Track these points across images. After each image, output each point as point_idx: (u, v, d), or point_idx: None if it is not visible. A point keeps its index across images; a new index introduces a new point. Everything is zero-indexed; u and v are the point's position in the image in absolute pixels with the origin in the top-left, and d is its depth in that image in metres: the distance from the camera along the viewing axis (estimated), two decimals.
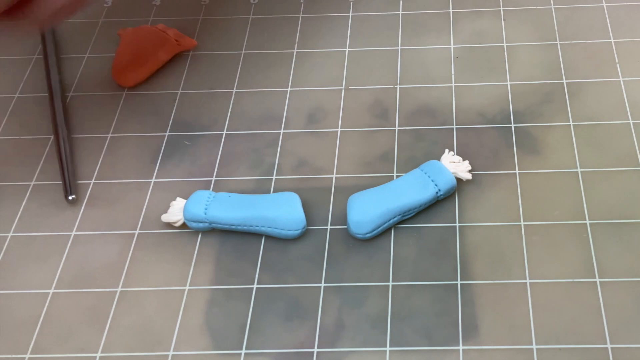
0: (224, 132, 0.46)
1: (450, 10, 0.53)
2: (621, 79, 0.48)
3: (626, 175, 0.43)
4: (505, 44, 0.50)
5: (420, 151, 0.44)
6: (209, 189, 0.43)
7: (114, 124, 0.47)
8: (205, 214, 0.40)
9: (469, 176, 0.42)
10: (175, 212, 0.41)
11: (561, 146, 0.44)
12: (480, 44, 0.51)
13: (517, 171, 0.43)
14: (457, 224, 0.41)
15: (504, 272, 0.39)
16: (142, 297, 0.39)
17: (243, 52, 0.51)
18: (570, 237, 0.40)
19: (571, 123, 0.45)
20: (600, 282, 0.38)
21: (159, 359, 0.37)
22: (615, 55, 0.49)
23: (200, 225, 0.41)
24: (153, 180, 0.44)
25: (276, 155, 0.45)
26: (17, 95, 0.50)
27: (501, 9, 0.53)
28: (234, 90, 0.49)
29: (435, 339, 0.37)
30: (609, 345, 0.36)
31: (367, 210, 0.40)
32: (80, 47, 0.52)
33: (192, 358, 0.37)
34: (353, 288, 0.39)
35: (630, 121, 0.45)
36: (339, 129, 0.46)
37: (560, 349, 0.36)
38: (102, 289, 0.39)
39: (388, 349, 0.37)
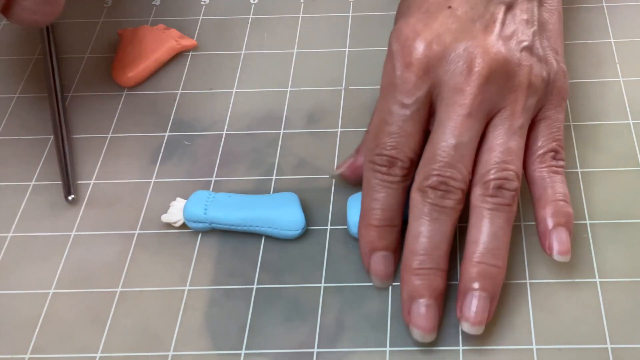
0: (224, 132, 0.46)
1: None
2: (621, 79, 0.48)
3: (626, 175, 0.43)
4: None
5: None
6: (208, 189, 0.43)
7: (113, 124, 0.47)
8: (205, 214, 0.40)
9: None
10: (175, 212, 0.41)
11: None
12: None
13: None
14: (457, 224, 0.41)
15: None
16: (142, 297, 0.39)
17: (243, 52, 0.51)
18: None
19: (571, 123, 0.45)
20: (600, 282, 0.38)
21: (158, 359, 0.37)
22: (615, 55, 0.49)
23: (200, 225, 0.41)
24: (153, 180, 0.44)
25: (276, 155, 0.45)
26: (17, 95, 0.50)
27: None
28: (234, 90, 0.49)
29: (435, 339, 0.36)
30: (609, 346, 0.36)
31: None
32: (80, 47, 0.52)
33: (192, 358, 0.37)
34: (353, 288, 0.39)
35: (630, 121, 0.45)
36: (339, 129, 0.46)
37: (560, 349, 0.36)
38: (102, 289, 0.39)
39: (388, 349, 0.36)
